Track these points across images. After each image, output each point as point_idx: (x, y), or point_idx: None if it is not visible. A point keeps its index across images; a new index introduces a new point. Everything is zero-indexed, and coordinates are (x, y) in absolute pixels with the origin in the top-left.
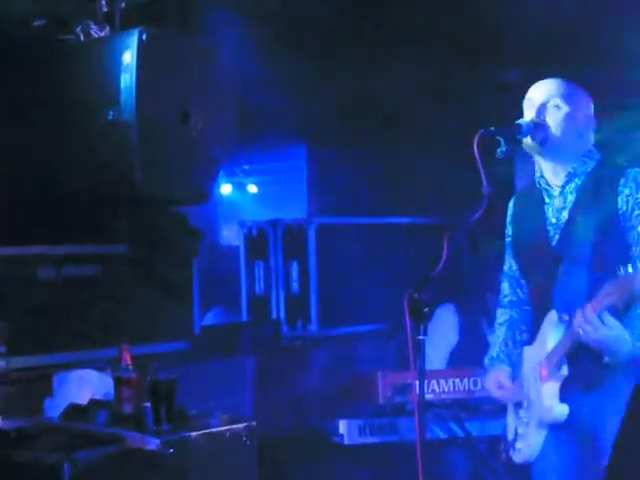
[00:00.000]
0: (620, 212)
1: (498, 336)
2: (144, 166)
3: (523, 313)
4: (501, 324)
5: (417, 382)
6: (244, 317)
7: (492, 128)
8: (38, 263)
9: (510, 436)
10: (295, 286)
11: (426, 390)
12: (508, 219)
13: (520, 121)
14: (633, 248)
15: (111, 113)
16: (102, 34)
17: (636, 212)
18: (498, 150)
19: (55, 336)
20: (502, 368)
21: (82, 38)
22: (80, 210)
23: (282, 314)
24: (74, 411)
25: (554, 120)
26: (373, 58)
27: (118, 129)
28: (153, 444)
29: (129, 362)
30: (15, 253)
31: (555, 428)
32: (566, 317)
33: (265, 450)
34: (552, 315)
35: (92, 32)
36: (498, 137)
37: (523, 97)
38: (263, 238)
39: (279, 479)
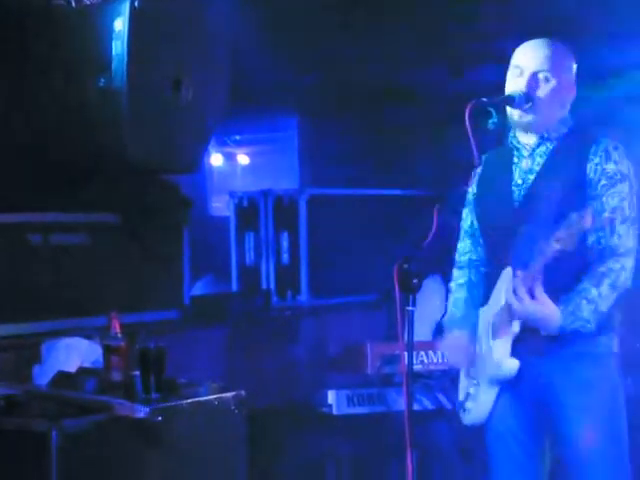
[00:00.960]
0: (587, 179)
1: (457, 297)
2: (134, 134)
3: (479, 275)
4: (461, 285)
5: (406, 353)
6: (234, 287)
7: (484, 99)
8: (27, 230)
9: (461, 397)
10: (285, 257)
11: (415, 361)
12: (473, 177)
13: (512, 92)
14: (595, 216)
15: (102, 80)
16: (94, 0)
17: (602, 182)
18: (490, 121)
19: (44, 304)
20: (458, 332)
21: (73, 4)
22: (69, 178)
23: (272, 284)
24: (62, 379)
25: (543, 93)
26: (365, 29)
27: (109, 97)
28: (142, 412)
29: (118, 330)
30: (3, 220)
31: (508, 389)
32: (520, 273)
33: (253, 420)
34: (508, 271)
35: None
36: (490, 108)
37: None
38: (254, 209)
39: (267, 449)
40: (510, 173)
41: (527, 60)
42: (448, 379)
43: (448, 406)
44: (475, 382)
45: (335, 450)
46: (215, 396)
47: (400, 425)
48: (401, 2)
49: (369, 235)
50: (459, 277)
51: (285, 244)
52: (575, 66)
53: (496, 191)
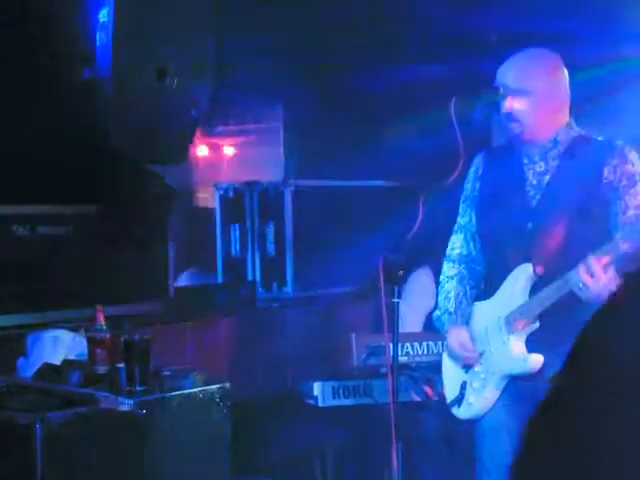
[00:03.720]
0: (605, 182)
1: (449, 290)
2: (119, 125)
3: (471, 270)
4: (451, 277)
5: (391, 345)
6: (219, 279)
7: (469, 92)
8: (12, 222)
9: (455, 393)
10: (271, 248)
11: (400, 353)
12: (473, 175)
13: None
14: (620, 216)
15: (87, 72)
16: None
17: (623, 182)
18: (474, 114)
19: (29, 296)
20: (462, 328)
21: None
22: (53, 169)
23: (257, 276)
24: (47, 371)
25: (524, 107)
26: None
27: (94, 88)
28: (126, 405)
29: (103, 322)
30: None
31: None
32: (540, 270)
33: (239, 412)
34: (526, 268)
35: None
36: (475, 100)
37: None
38: (239, 200)
39: (253, 441)
40: (522, 173)
41: (504, 79)
42: (434, 371)
43: (434, 397)
44: (483, 376)
45: (321, 442)
46: (200, 388)
47: (386, 417)
48: None
49: (355, 226)
50: (449, 270)
51: (271, 236)
52: (561, 70)
53: (508, 191)
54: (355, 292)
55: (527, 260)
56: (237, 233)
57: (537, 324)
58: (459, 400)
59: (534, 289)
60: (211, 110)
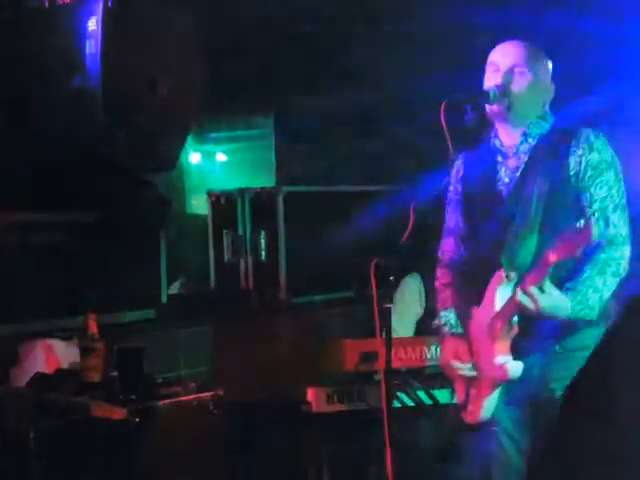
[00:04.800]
0: (572, 173)
1: (446, 299)
2: (110, 133)
3: (461, 274)
4: (446, 285)
5: (384, 350)
6: (212, 286)
7: (459, 95)
8: (5, 230)
9: (460, 399)
10: (263, 254)
11: (393, 358)
12: (454, 177)
13: (487, 88)
14: (587, 209)
15: (76, 80)
16: (67, 0)
17: (589, 173)
18: (465, 117)
19: (21, 305)
20: (459, 340)
21: (47, 4)
22: (46, 178)
23: (250, 282)
24: (40, 380)
25: (519, 87)
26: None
27: (83, 96)
28: (120, 413)
29: (95, 331)
30: None
31: (504, 389)
32: (512, 275)
33: (232, 419)
34: (499, 274)
35: None
36: (465, 104)
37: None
38: (231, 206)
39: (246, 448)
40: (496, 173)
41: (502, 56)
42: (427, 375)
43: (428, 402)
44: (477, 384)
45: (315, 448)
46: (193, 396)
47: (380, 422)
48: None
49: (347, 232)
50: (444, 277)
51: (263, 242)
52: (551, 67)
53: (483, 191)
54: (348, 297)
55: (501, 264)
56: (229, 239)
57: (515, 330)
58: (464, 407)
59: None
60: (203, 117)
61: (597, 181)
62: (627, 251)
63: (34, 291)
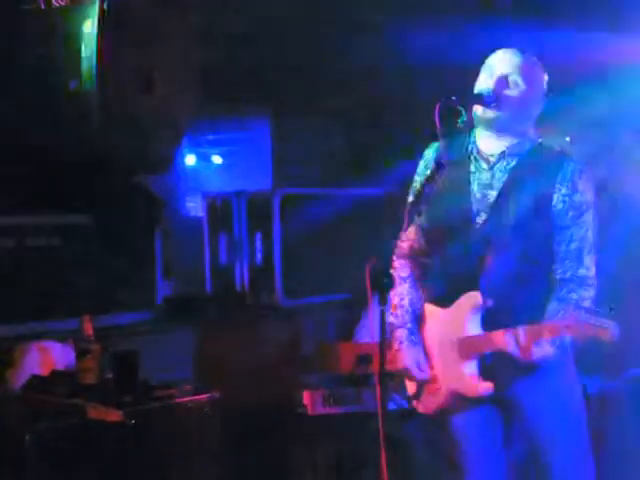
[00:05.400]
0: (555, 210)
1: (403, 295)
2: (106, 135)
3: (422, 265)
4: (404, 279)
5: (379, 352)
6: (208, 288)
7: (453, 97)
8: (0, 234)
9: (411, 390)
10: (259, 257)
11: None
12: (422, 169)
13: (481, 90)
14: (562, 246)
15: (72, 83)
16: (62, 3)
17: (570, 213)
18: (459, 120)
19: (17, 307)
20: (419, 348)
21: (43, 7)
22: (42, 180)
23: (246, 285)
24: (36, 382)
25: (511, 94)
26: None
27: (80, 98)
28: (115, 415)
29: (91, 333)
30: None
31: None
32: (490, 303)
33: (228, 421)
34: (474, 296)
35: (53, 1)
36: (459, 107)
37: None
38: (227, 209)
39: (242, 450)
40: (468, 184)
41: (499, 62)
42: None
43: None
44: (435, 385)
45: (311, 451)
46: (189, 398)
47: (376, 424)
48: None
49: (343, 234)
50: (401, 268)
51: (259, 244)
52: (546, 80)
53: (453, 200)
54: (343, 300)
55: (473, 284)
56: (225, 242)
57: (485, 359)
58: (417, 396)
59: (486, 321)
60: (198, 119)
61: (577, 221)
62: (594, 292)
63: (29, 293)
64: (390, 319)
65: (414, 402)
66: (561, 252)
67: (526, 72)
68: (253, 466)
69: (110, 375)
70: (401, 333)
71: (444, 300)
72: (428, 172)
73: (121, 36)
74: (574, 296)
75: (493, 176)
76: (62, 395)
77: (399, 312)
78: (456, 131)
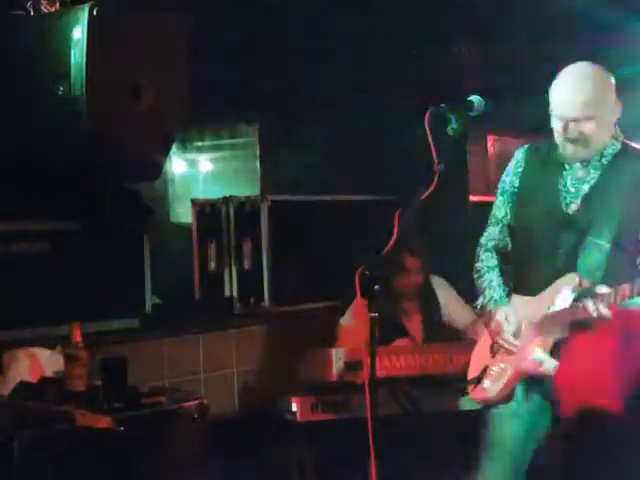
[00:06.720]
0: None
1: (492, 279)
2: (94, 142)
3: (503, 261)
4: (491, 267)
5: (368, 359)
6: (196, 294)
7: (443, 105)
8: None
9: (475, 372)
10: (247, 263)
11: (379, 366)
12: (513, 169)
13: (471, 97)
14: None
15: (61, 88)
16: (52, 9)
17: None
18: (449, 127)
19: (5, 314)
20: (510, 310)
21: (32, 13)
22: (30, 186)
23: (234, 291)
24: (24, 389)
25: (587, 130)
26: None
27: (68, 104)
28: (104, 422)
29: (79, 340)
30: None
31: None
32: (586, 284)
33: (217, 428)
34: (572, 277)
35: (42, 7)
36: (449, 114)
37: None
38: (216, 215)
39: (231, 457)
40: (561, 177)
41: (565, 108)
42: (412, 384)
43: (413, 411)
44: (502, 366)
45: (299, 457)
46: (177, 405)
47: (365, 431)
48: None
49: (331, 241)
50: (488, 260)
51: (247, 251)
52: (614, 85)
53: (545, 193)
54: (332, 306)
55: (563, 268)
56: (214, 248)
57: (566, 333)
58: (477, 381)
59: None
60: (187, 126)
61: None
62: None
63: (18, 299)
64: (479, 301)
65: (470, 387)
66: None
67: (593, 106)
68: (242, 473)
69: (99, 382)
70: (488, 306)
71: (533, 290)
72: (519, 170)
73: (110, 42)
74: None
75: (588, 173)
76: (51, 402)
77: (489, 292)
78: (445, 139)
